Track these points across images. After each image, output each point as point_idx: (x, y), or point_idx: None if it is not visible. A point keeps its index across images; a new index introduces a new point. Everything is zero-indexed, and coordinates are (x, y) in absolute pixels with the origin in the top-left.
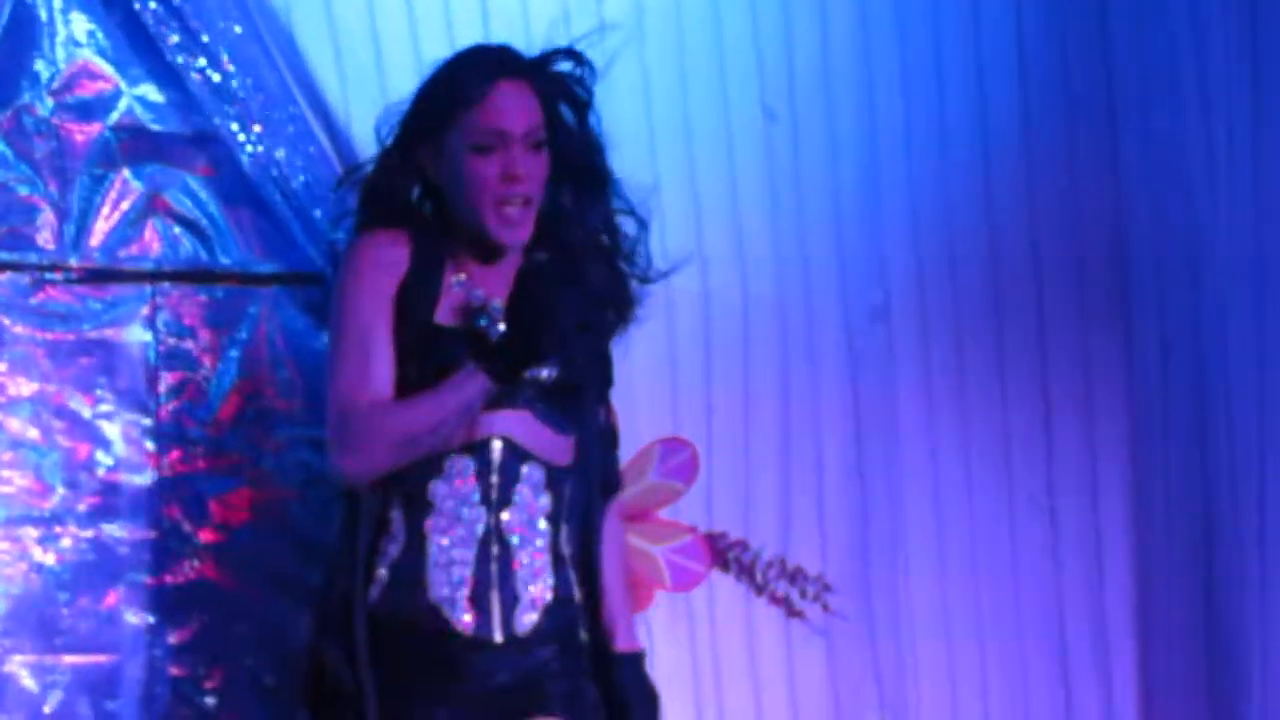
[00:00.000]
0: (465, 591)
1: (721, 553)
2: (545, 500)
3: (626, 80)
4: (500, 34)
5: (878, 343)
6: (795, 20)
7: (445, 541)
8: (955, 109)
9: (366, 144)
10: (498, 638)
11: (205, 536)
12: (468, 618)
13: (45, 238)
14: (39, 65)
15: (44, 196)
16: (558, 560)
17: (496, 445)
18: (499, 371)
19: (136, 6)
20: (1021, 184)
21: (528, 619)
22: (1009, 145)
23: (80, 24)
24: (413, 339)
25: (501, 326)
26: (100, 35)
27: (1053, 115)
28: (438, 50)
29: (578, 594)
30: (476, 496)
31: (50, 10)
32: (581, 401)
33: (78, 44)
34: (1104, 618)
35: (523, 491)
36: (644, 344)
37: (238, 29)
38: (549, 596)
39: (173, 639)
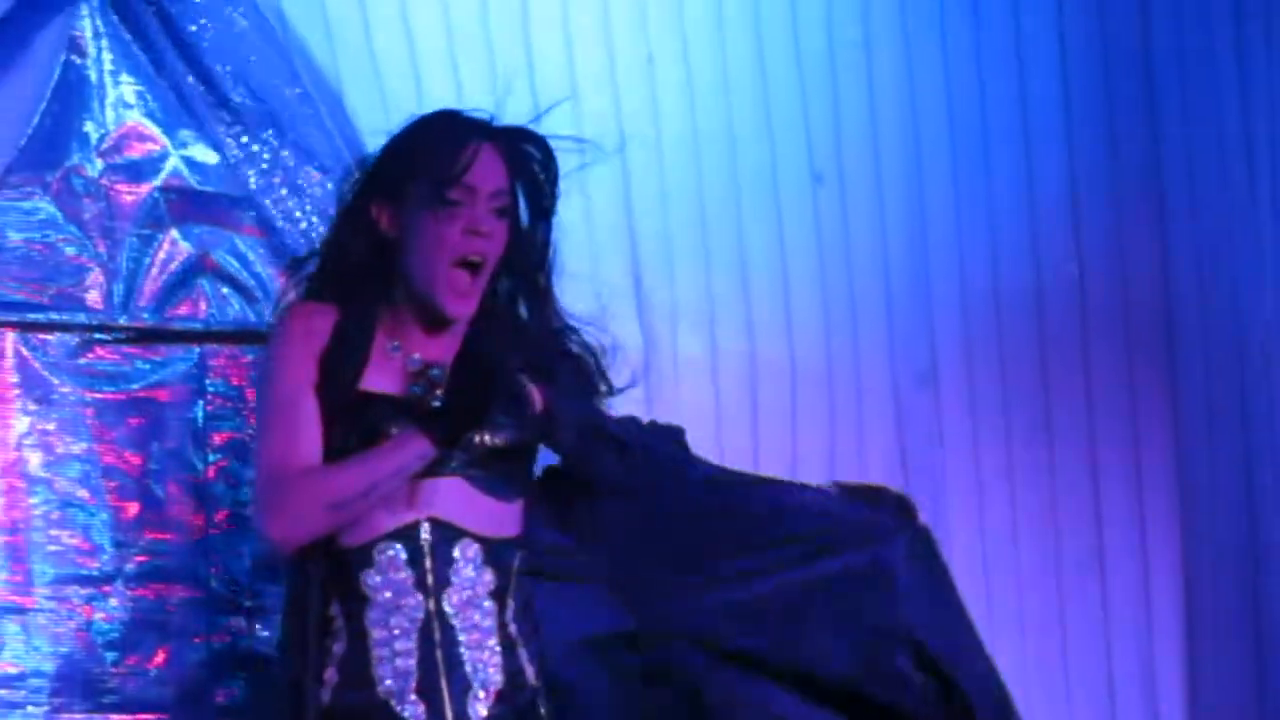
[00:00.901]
0: (412, 683)
1: None
2: (489, 576)
3: (676, 141)
4: (545, 81)
5: (925, 408)
6: (842, 84)
7: (386, 634)
8: (1002, 171)
9: None
10: None
11: (252, 597)
12: (420, 710)
13: (94, 298)
14: (88, 127)
15: (93, 257)
16: (506, 639)
17: (425, 527)
18: (440, 436)
19: (180, 66)
20: (1069, 248)
21: (480, 709)
22: (1056, 209)
23: (129, 86)
24: (338, 404)
25: (439, 392)
26: (149, 97)
27: (1099, 179)
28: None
29: (530, 672)
30: (411, 583)
31: (100, 72)
32: (528, 464)
33: (127, 105)
34: (1154, 684)
35: (461, 570)
36: (691, 408)
37: (288, 92)
38: (500, 680)
39: (220, 698)
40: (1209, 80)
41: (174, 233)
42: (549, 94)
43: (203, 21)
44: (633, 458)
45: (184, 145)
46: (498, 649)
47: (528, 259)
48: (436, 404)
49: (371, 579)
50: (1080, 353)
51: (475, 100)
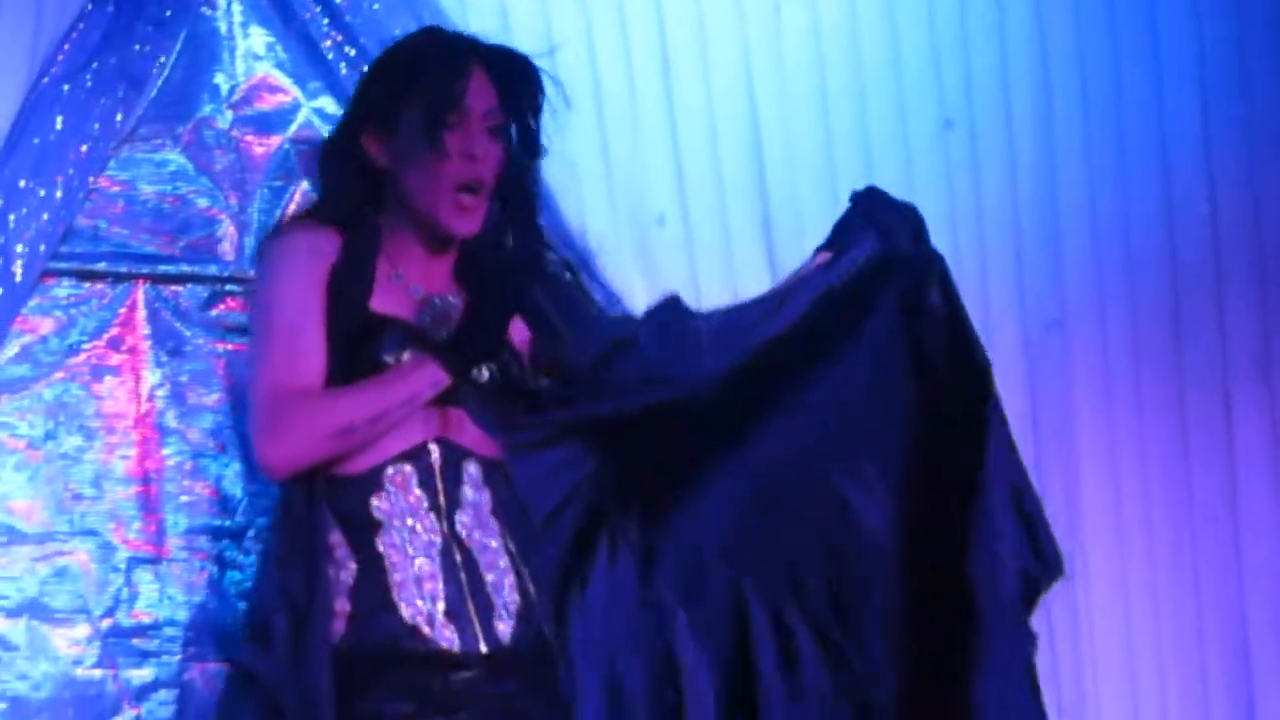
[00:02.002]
0: (440, 607)
1: None
2: (488, 495)
3: (804, 91)
4: (674, 31)
5: (1055, 354)
6: (972, 30)
7: (403, 559)
8: (1133, 118)
9: (546, 158)
10: (483, 649)
11: None
12: (450, 634)
13: (225, 250)
14: (219, 79)
15: (224, 209)
16: (512, 558)
17: (434, 449)
18: (455, 364)
19: (307, 15)
20: (1202, 192)
21: (504, 627)
22: (1189, 154)
23: (259, 37)
24: (347, 327)
25: (448, 323)
26: (279, 48)
27: (1233, 121)
28: (612, 71)
29: (533, 590)
30: (426, 505)
31: (230, 24)
32: (515, 407)
33: (257, 57)
34: None
35: (468, 492)
36: None
37: None
38: (517, 599)
39: None
40: None
41: (305, 185)
42: (678, 45)
43: None
44: (647, 352)
45: (314, 96)
46: (509, 568)
47: (519, 180)
48: (445, 333)
49: (382, 503)
50: (1213, 293)
51: (604, 57)
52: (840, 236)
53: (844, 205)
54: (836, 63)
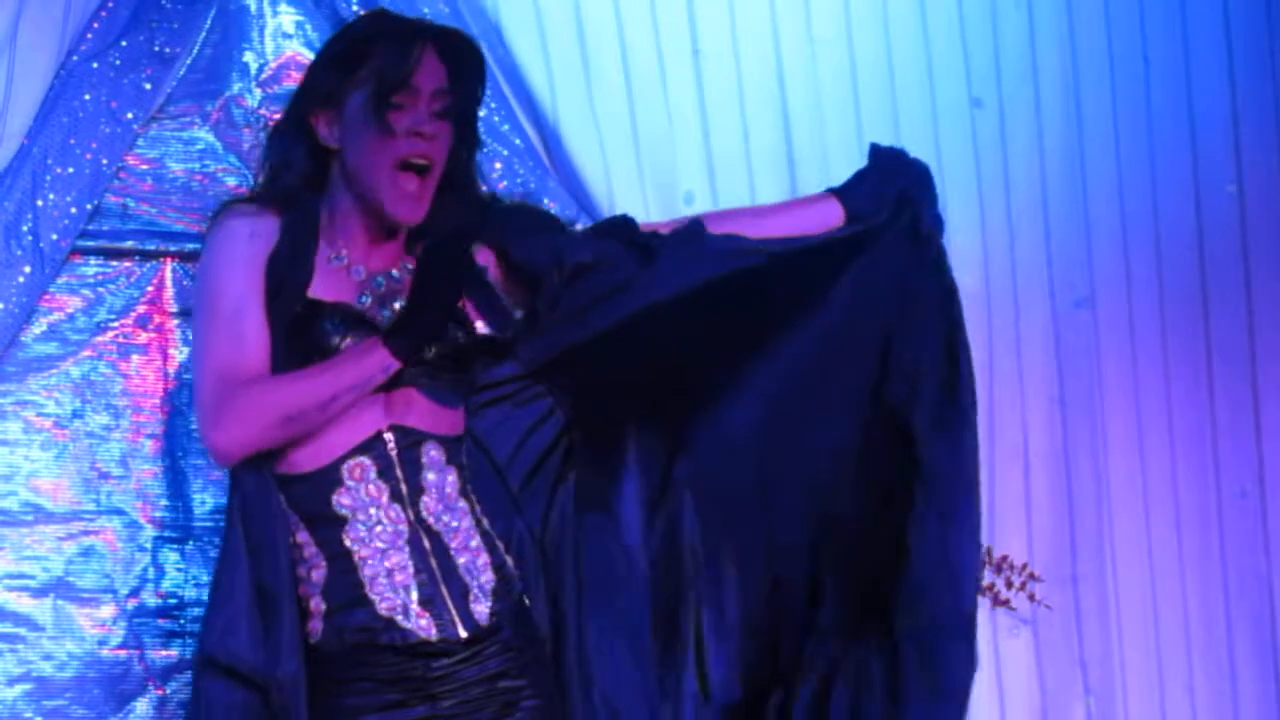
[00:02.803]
0: (413, 596)
1: None
2: (453, 476)
3: (832, 69)
4: (705, 15)
5: (1083, 332)
6: (1001, 8)
7: (372, 552)
8: (1161, 97)
9: (575, 138)
10: (462, 633)
11: None
12: (426, 622)
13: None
14: (248, 57)
15: (252, 187)
16: (485, 534)
17: (389, 437)
18: (402, 347)
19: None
20: (1230, 172)
21: (481, 609)
22: (1216, 133)
23: (288, 16)
24: (286, 312)
25: (392, 304)
26: (309, 27)
27: (1262, 102)
28: (641, 48)
29: (510, 563)
30: (388, 495)
31: (260, 2)
32: (469, 375)
33: (286, 36)
34: None
35: (429, 476)
36: None
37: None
38: (492, 577)
39: None
40: None
41: None
42: (707, 24)
43: None
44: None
45: None
46: (481, 547)
47: (463, 160)
48: (389, 313)
49: (344, 498)
50: (1241, 273)
51: (635, 35)
52: (855, 194)
53: None
54: (865, 41)
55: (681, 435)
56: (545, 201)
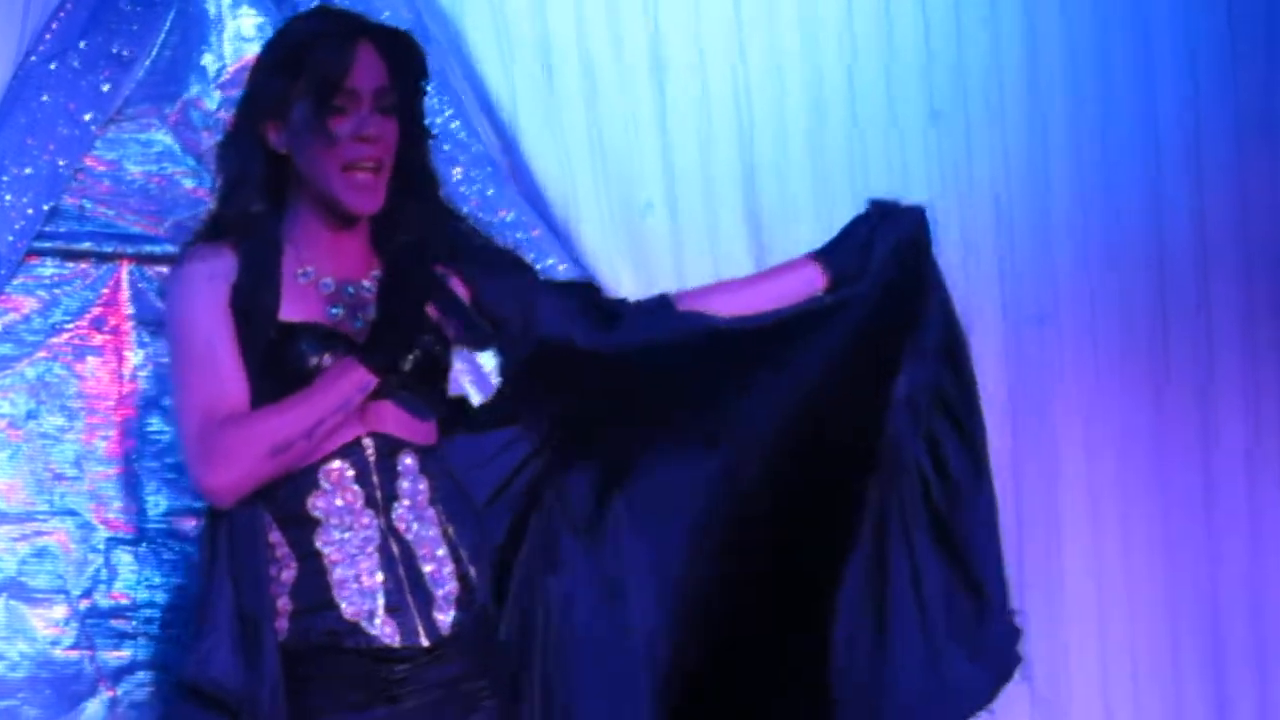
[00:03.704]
0: (379, 602)
1: None
2: (424, 485)
3: (796, 81)
4: (669, 26)
5: (1041, 346)
6: (964, 21)
7: (342, 556)
8: (1123, 113)
9: (535, 145)
10: (424, 641)
11: None
12: (390, 629)
13: (200, 228)
14: (207, 60)
15: (210, 189)
16: (451, 545)
17: (368, 443)
18: (377, 363)
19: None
20: (1189, 188)
21: (444, 618)
22: (1177, 149)
23: (248, 19)
24: (260, 341)
25: (362, 313)
26: (269, 30)
27: (1223, 120)
28: (604, 62)
29: (474, 572)
30: (362, 502)
31: (219, 6)
32: (443, 383)
33: (246, 39)
34: (1264, 602)
35: (404, 484)
36: None
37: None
38: (455, 587)
39: None
40: None
41: None
42: (670, 35)
43: None
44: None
45: None
46: (447, 557)
47: (416, 157)
48: (361, 323)
49: (319, 501)
50: (1200, 290)
51: (596, 44)
52: (840, 253)
53: (830, 194)
54: (828, 52)
55: (625, 472)
56: (500, 212)
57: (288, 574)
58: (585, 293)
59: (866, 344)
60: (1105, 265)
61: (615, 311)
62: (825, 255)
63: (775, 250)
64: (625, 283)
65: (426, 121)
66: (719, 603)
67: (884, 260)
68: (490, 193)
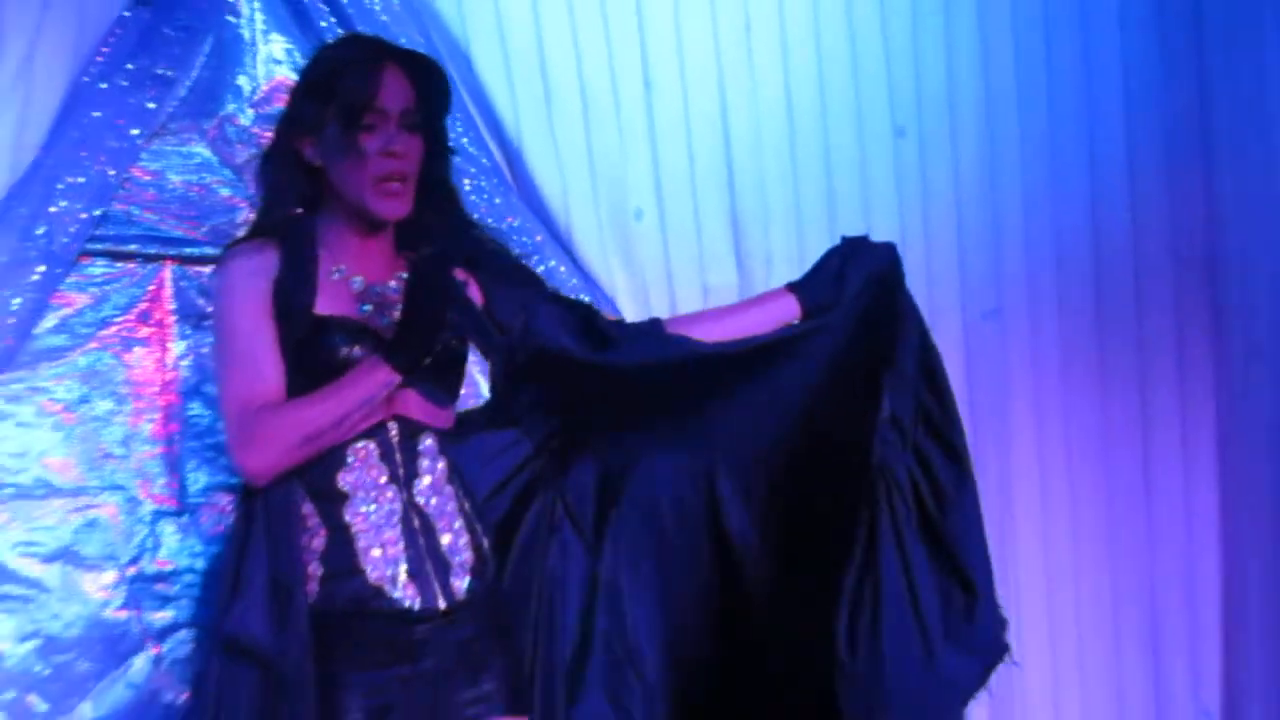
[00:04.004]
0: (401, 569)
1: None
2: (443, 464)
3: (770, 99)
4: (655, 48)
5: (993, 338)
6: (922, 48)
7: (368, 526)
8: (1065, 131)
9: (536, 158)
10: (441, 604)
11: None
12: (411, 592)
13: (244, 233)
14: (241, 80)
15: (244, 197)
16: (466, 518)
17: (392, 426)
18: (401, 362)
19: (323, 24)
20: (1125, 196)
21: (459, 583)
22: (1113, 160)
23: (279, 44)
24: (297, 333)
25: (390, 311)
26: (297, 54)
27: (1153, 134)
28: (597, 81)
29: (486, 544)
30: (386, 477)
31: (253, 32)
32: (460, 374)
33: (276, 61)
34: (1193, 585)
35: (424, 462)
36: None
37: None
38: (470, 556)
39: None
40: (1253, 56)
41: None
42: (657, 57)
43: None
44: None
45: None
46: (463, 529)
47: (438, 172)
48: (387, 320)
49: (347, 477)
50: (1133, 288)
51: (591, 68)
52: (814, 284)
53: (804, 202)
54: (800, 75)
55: (622, 477)
56: (506, 219)
57: (318, 542)
58: (585, 312)
59: (848, 368)
60: (1050, 266)
61: (610, 334)
62: (800, 287)
63: (754, 252)
64: (619, 281)
65: (447, 142)
66: (717, 602)
67: (856, 291)
68: (498, 201)
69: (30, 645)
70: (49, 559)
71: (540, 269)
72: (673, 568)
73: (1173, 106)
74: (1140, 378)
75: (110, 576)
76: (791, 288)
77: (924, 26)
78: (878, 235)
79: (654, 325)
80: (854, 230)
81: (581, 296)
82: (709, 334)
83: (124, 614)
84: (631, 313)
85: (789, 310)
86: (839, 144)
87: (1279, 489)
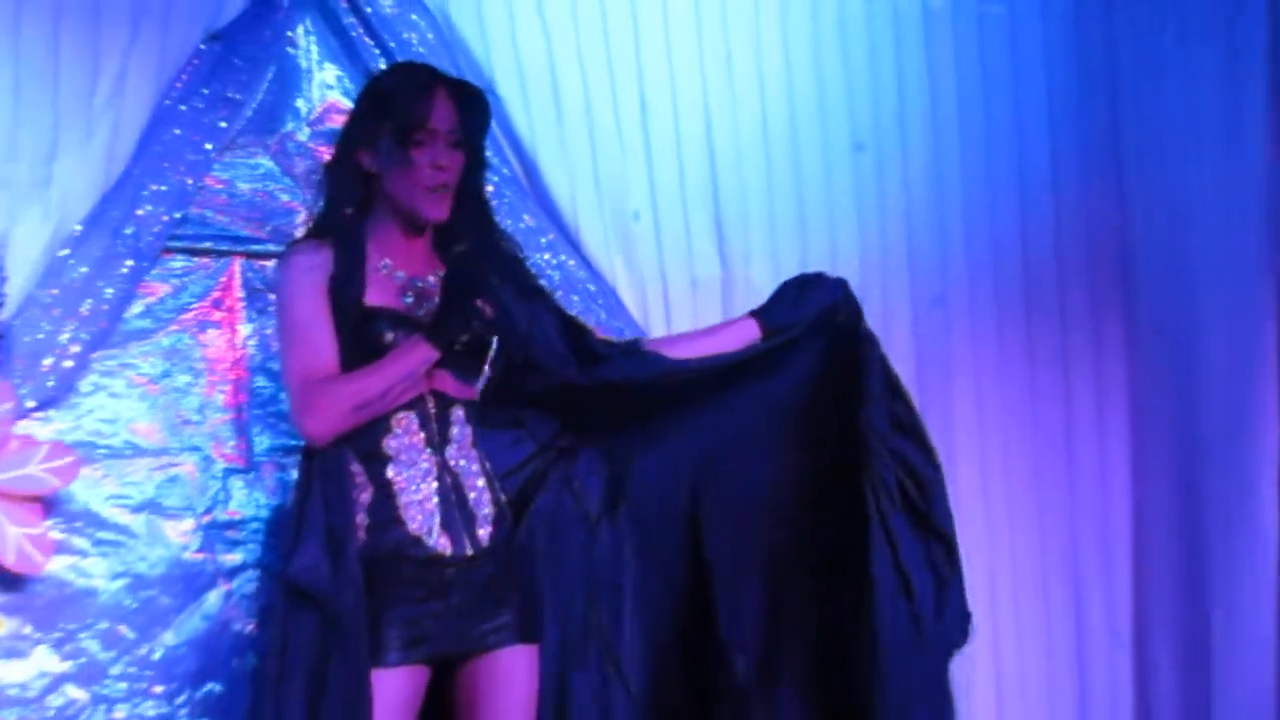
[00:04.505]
0: (436, 520)
1: None
2: (469, 430)
3: (749, 118)
4: (651, 77)
5: (938, 322)
6: (878, 73)
7: (407, 484)
8: (1000, 144)
9: (548, 169)
10: (469, 552)
11: None
12: (444, 540)
13: (301, 233)
14: (299, 103)
15: (302, 202)
16: (488, 478)
17: (429, 399)
18: (439, 342)
19: (369, 55)
20: (1050, 203)
21: (483, 532)
22: (1040, 170)
23: (331, 72)
24: (348, 320)
25: (427, 302)
26: (346, 80)
27: (1073, 149)
28: (601, 101)
29: (503, 501)
30: (423, 443)
31: (309, 62)
32: (483, 359)
33: (329, 87)
34: (1108, 529)
35: (455, 430)
36: None
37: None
38: (492, 511)
39: None
40: (1157, 84)
41: None
42: (652, 81)
43: (386, 9)
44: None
45: None
46: (485, 487)
47: (473, 184)
48: (424, 311)
49: (390, 442)
50: (1057, 280)
51: (596, 91)
52: (773, 311)
53: (777, 207)
54: (773, 99)
55: (624, 470)
56: (524, 219)
57: (365, 497)
58: (579, 330)
59: (818, 386)
60: (987, 261)
61: (599, 352)
62: (760, 313)
63: (735, 249)
64: (619, 273)
65: (484, 158)
66: (687, 609)
67: (811, 316)
68: (514, 205)
69: (121, 583)
70: (136, 509)
71: (553, 262)
72: (653, 571)
73: (1090, 126)
74: (1063, 353)
75: (188, 524)
76: (753, 313)
77: (879, 58)
78: (840, 235)
79: (634, 344)
80: (819, 225)
81: (588, 286)
82: (682, 353)
83: (199, 556)
84: (630, 299)
85: (750, 333)
86: (807, 157)
87: (1179, 447)
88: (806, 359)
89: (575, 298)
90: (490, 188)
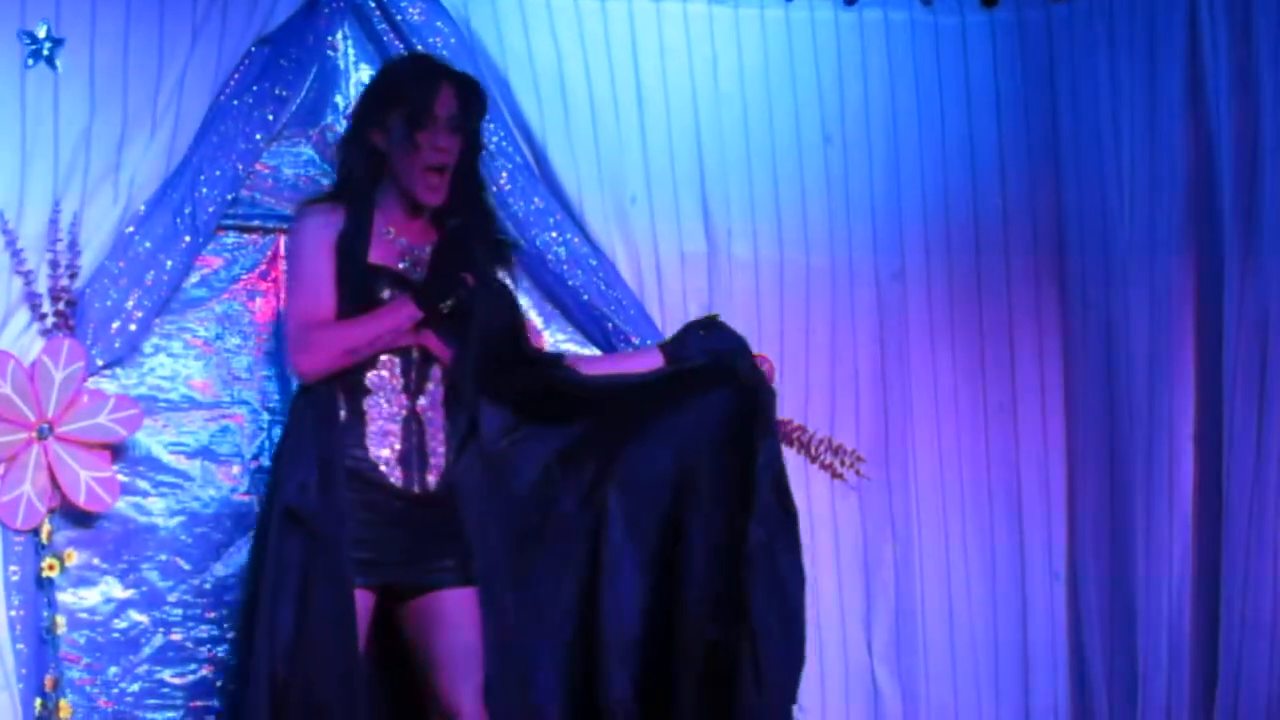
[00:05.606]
0: (396, 454)
1: (789, 434)
2: (443, 391)
3: (732, 114)
4: (649, 86)
5: (898, 295)
6: (844, 72)
7: (378, 416)
8: (953, 138)
9: (556, 156)
10: (416, 490)
11: None
12: (398, 473)
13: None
14: (338, 98)
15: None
16: (448, 433)
17: (415, 351)
18: (425, 303)
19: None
20: (997, 189)
21: (432, 479)
22: (989, 162)
23: (365, 71)
24: (350, 275)
25: (420, 268)
26: None
27: (1020, 150)
28: (603, 95)
29: (454, 456)
30: (399, 385)
31: (347, 63)
32: (466, 327)
33: (364, 85)
34: (1047, 478)
35: (430, 385)
36: (740, 296)
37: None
38: (443, 462)
39: None
40: (1093, 92)
41: None
42: (648, 78)
43: (414, 17)
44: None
45: None
46: (443, 440)
47: (469, 167)
48: (418, 277)
49: (373, 378)
50: (1003, 257)
51: (598, 87)
52: (675, 346)
53: (756, 190)
54: (754, 95)
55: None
56: (534, 201)
57: (340, 418)
58: (523, 335)
59: (709, 413)
60: (942, 239)
61: (533, 356)
62: (666, 346)
63: (719, 227)
64: (618, 249)
65: (481, 139)
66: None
67: (705, 352)
68: (526, 189)
69: (177, 520)
70: (192, 455)
71: (560, 240)
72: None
73: (1035, 130)
74: (1008, 324)
75: (237, 468)
76: (659, 345)
77: (847, 62)
78: (812, 216)
79: (559, 358)
80: (793, 208)
81: (591, 261)
82: (598, 370)
83: (247, 497)
84: (627, 272)
85: (656, 361)
86: (782, 147)
87: (1107, 408)
88: (715, 399)
89: (579, 271)
90: (504, 174)
